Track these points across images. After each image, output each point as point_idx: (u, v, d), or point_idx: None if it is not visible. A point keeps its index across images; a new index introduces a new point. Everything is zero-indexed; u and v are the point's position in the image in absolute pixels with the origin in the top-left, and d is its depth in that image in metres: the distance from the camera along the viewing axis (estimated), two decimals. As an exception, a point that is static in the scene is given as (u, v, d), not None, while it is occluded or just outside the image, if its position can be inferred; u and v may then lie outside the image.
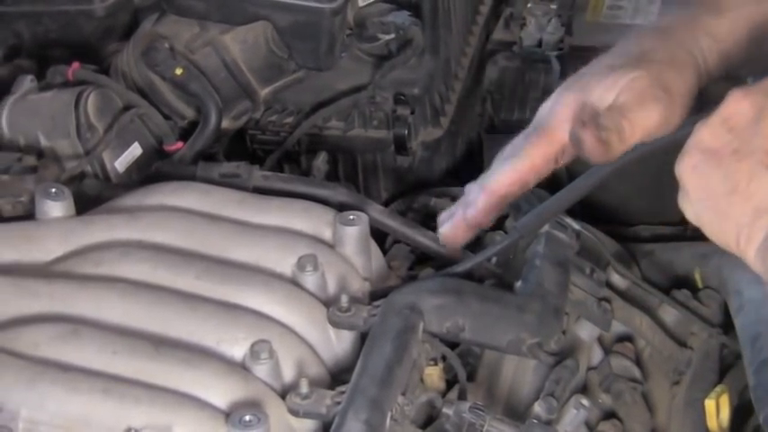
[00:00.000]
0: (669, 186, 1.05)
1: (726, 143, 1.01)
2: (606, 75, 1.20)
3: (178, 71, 1.51)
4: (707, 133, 1.02)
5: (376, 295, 1.24)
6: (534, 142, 1.22)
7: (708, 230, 1.03)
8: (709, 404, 1.28)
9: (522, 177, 1.22)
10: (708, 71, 1.23)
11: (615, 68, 1.20)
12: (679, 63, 1.21)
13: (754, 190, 0.98)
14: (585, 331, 1.37)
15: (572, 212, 1.34)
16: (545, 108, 1.24)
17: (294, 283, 1.22)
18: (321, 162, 1.52)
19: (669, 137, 1.11)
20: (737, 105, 1.01)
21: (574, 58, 1.77)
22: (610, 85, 1.19)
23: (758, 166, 0.98)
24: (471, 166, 1.78)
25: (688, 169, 1.03)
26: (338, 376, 1.16)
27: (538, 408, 1.23)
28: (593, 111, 1.17)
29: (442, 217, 1.28)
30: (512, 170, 1.22)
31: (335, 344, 1.20)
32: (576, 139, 1.16)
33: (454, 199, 1.44)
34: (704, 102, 1.10)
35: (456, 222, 1.26)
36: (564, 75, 1.74)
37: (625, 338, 1.42)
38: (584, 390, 1.32)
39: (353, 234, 1.27)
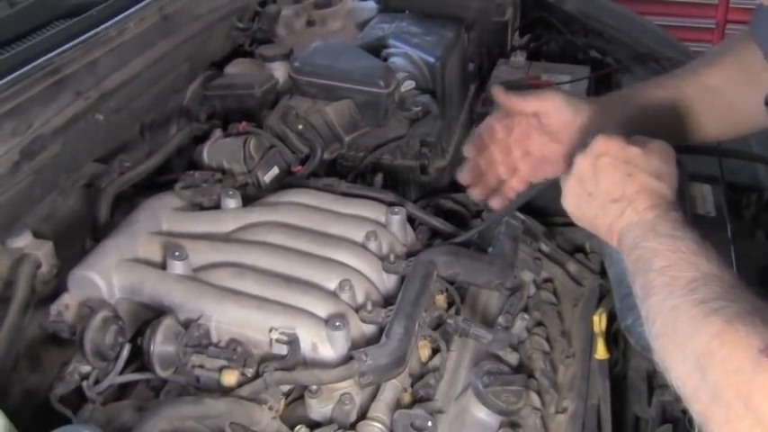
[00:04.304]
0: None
1: (584, 189, 0.97)
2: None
3: (300, 126, 1.47)
4: (572, 184, 0.99)
5: (409, 255, 1.21)
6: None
7: (590, 231, 1.01)
8: (595, 318, 1.22)
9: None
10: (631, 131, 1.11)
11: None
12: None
13: (606, 213, 0.95)
14: (527, 276, 1.33)
15: (521, 209, 1.30)
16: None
17: (363, 246, 1.19)
18: (379, 178, 1.48)
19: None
20: (582, 165, 0.97)
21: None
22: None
23: (605, 201, 0.95)
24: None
25: (568, 204, 1.01)
26: (388, 301, 1.14)
27: (501, 320, 1.20)
28: None
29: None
30: None
31: (387, 282, 1.17)
32: None
33: (454, 201, 1.43)
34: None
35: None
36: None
37: (548, 281, 1.39)
38: (525, 309, 1.29)
39: (397, 220, 1.24)
